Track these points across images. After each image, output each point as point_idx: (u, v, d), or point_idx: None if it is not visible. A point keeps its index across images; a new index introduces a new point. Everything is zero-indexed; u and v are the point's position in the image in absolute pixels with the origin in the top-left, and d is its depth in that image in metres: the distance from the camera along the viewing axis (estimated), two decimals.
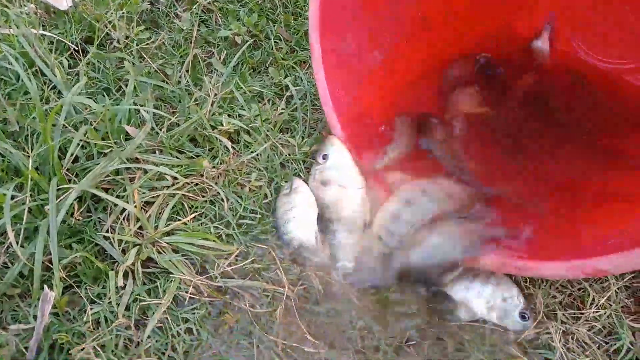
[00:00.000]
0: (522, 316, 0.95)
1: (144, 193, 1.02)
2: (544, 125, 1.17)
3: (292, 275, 0.99)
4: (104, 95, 1.23)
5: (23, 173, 0.98)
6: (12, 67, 1.12)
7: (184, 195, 1.05)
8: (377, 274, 0.94)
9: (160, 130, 1.15)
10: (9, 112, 1.06)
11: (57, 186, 0.95)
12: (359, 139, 1.12)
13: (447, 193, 0.97)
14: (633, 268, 0.73)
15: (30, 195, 0.95)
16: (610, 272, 0.81)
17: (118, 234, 0.96)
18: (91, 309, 0.89)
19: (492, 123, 1.21)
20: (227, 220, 1.07)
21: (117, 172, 1.04)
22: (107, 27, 1.32)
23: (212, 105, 1.23)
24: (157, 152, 1.12)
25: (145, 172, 1.04)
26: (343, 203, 1.04)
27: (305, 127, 1.31)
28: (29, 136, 1.06)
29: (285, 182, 1.14)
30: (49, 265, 0.90)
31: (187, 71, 1.33)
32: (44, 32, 1.21)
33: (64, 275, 0.90)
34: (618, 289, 1.03)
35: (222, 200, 1.09)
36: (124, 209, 0.99)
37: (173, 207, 1.04)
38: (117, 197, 0.99)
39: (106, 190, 1.01)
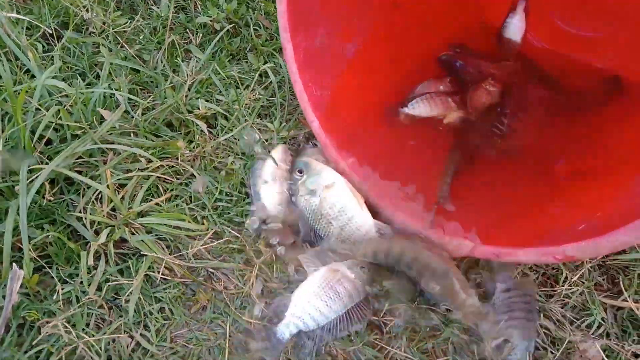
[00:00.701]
0: None
1: (117, 175, 1.01)
2: (520, 106, 1.18)
3: (265, 256, 0.99)
4: (77, 79, 1.22)
5: None
6: None
7: (158, 177, 1.05)
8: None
9: (135, 113, 1.14)
10: None
11: (29, 167, 0.94)
12: (337, 133, 1.12)
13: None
14: (599, 254, 0.74)
15: (2, 177, 0.94)
16: (578, 259, 0.87)
17: (90, 214, 0.95)
18: (62, 288, 0.88)
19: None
20: (203, 203, 1.06)
21: (90, 154, 1.03)
22: (82, 12, 1.31)
23: (188, 89, 1.23)
24: (132, 135, 1.11)
25: (119, 154, 1.03)
26: (336, 198, 1.02)
27: (284, 113, 1.31)
28: (1, 118, 1.05)
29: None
30: (21, 246, 0.90)
31: (164, 56, 1.32)
32: (18, 16, 1.19)
33: (35, 256, 0.89)
34: (591, 267, 1.04)
35: (198, 182, 1.08)
36: (97, 191, 0.98)
37: (147, 190, 1.03)
38: (91, 178, 0.98)
39: (79, 172, 1.00)
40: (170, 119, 1.19)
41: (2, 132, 1.00)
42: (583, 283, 1.01)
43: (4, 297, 0.85)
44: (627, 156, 0.95)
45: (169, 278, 0.93)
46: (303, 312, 0.87)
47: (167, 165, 1.08)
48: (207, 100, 1.25)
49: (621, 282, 0.99)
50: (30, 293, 0.88)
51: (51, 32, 1.27)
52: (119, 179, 1.01)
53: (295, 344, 0.87)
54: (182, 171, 1.09)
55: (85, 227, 0.95)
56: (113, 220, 0.96)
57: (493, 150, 1.14)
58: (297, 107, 1.33)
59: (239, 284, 0.95)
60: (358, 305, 0.91)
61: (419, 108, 1.20)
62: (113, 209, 0.98)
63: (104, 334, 0.85)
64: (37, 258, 0.90)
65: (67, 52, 1.28)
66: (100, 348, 0.83)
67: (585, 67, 1.18)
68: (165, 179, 1.06)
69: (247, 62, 1.44)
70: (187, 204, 1.05)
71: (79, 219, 0.96)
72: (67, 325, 0.83)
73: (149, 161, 1.05)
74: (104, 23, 1.32)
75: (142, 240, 0.95)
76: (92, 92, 1.08)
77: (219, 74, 1.33)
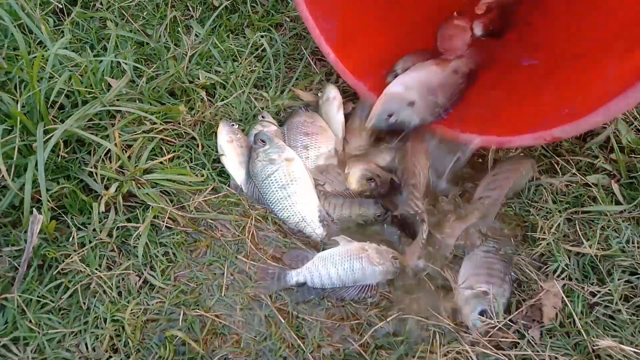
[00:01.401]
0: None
1: (124, 136, 1.11)
2: None
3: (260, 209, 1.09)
4: (87, 51, 1.31)
5: (12, 116, 1.06)
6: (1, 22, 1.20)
7: (162, 139, 1.15)
8: None
9: (141, 81, 1.23)
10: None
11: (44, 128, 1.03)
12: (351, 60, 1.26)
13: None
14: (579, 133, 1.07)
15: (20, 136, 1.04)
16: (563, 138, 1.13)
17: (101, 170, 1.05)
18: (77, 234, 0.98)
19: None
20: (203, 162, 1.16)
21: (100, 117, 1.13)
22: None
23: (189, 60, 1.32)
24: (137, 101, 1.21)
25: (125, 116, 1.13)
26: (294, 169, 1.13)
27: (279, 84, 1.40)
28: (18, 85, 1.14)
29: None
30: (39, 198, 1.00)
31: (166, 30, 1.41)
32: None
33: (52, 205, 0.99)
34: (562, 220, 1.13)
35: (198, 145, 1.18)
36: (106, 150, 1.08)
37: (152, 150, 1.13)
38: (101, 138, 1.08)
39: (90, 133, 1.10)
40: (172, 87, 1.28)
41: (20, 96, 1.09)
42: (554, 234, 1.11)
43: (25, 241, 0.95)
44: (607, 44, 1.10)
45: (172, 227, 1.03)
46: (316, 270, 0.98)
47: (170, 129, 1.17)
48: (206, 71, 1.34)
49: (577, 232, 1.08)
50: (49, 238, 0.98)
51: (61, 7, 1.36)
52: (126, 140, 1.11)
53: (299, 290, 0.98)
54: (183, 134, 1.18)
55: (96, 181, 1.05)
56: (121, 176, 1.06)
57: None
58: (291, 78, 1.42)
59: (236, 232, 1.05)
60: (367, 286, 1.00)
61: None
62: (121, 166, 1.07)
63: (115, 272, 0.95)
64: (55, 207, 1.00)
65: (76, 26, 1.37)
66: (112, 284, 0.93)
67: None
68: (169, 140, 1.16)
69: (244, 36, 1.52)
70: (188, 163, 1.15)
71: (91, 174, 1.06)
72: (82, 263, 0.93)
73: (153, 124, 1.14)
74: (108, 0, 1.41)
75: (147, 194, 1.05)
76: (101, 61, 1.18)
77: (218, 47, 1.42)
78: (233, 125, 1.21)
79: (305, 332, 0.93)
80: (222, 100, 1.30)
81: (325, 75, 1.42)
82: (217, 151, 1.17)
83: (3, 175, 0.97)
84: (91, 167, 1.07)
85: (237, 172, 1.15)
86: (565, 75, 1.15)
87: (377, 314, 0.96)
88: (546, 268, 1.06)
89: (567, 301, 0.95)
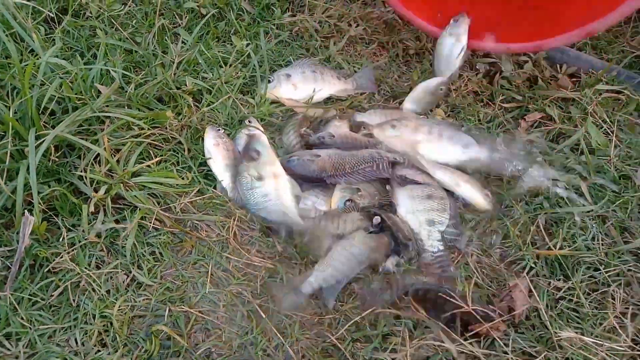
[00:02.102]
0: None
1: (113, 141, 1.15)
2: None
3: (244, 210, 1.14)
4: (77, 58, 1.35)
5: (5, 122, 1.11)
6: None
7: (149, 143, 1.19)
8: None
9: (129, 88, 1.28)
10: None
11: (36, 133, 1.08)
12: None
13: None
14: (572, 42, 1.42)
15: (12, 141, 1.08)
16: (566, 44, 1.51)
17: (90, 174, 1.09)
18: (67, 235, 1.02)
19: None
20: (189, 166, 1.21)
21: (89, 122, 1.17)
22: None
23: (177, 67, 1.37)
24: (126, 107, 1.25)
25: (114, 121, 1.18)
26: (282, 193, 1.18)
27: (264, 90, 1.45)
28: (10, 92, 1.18)
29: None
30: (30, 200, 1.04)
31: (154, 38, 1.46)
32: (22, 1, 1.33)
33: (43, 207, 1.04)
34: (530, 220, 1.19)
35: (184, 149, 1.23)
36: (96, 154, 1.12)
37: (140, 154, 1.18)
38: (91, 143, 1.13)
39: (80, 138, 1.14)
40: (160, 94, 1.33)
41: (12, 103, 1.14)
42: (521, 235, 1.16)
43: (18, 242, 1.00)
44: None
45: (159, 227, 1.08)
46: (326, 274, 1.04)
47: (157, 133, 1.22)
48: (193, 77, 1.39)
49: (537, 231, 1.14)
50: (40, 239, 1.02)
51: (52, 16, 1.41)
52: (115, 144, 1.15)
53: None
54: (170, 138, 1.23)
55: (86, 184, 1.09)
56: (110, 179, 1.11)
57: None
58: None
59: (221, 232, 1.10)
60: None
61: None
62: (110, 170, 1.12)
63: (103, 270, 1.00)
64: (46, 209, 1.05)
65: (66, 35, 1.41)
66: (101, 282, 0.98)
67: None
68: (156, 144, 1.21)
69: (231, 44, 1.57)
70: (175, 167, 1.19)
71: (80, 177, 1.11)
72: (72, 262, 0.97)
73: (141, 129, 1.19)
74: (100, 8, 1.45)
75: (135, 196, 1.09)
76: (90, 69, 1.22)
77: (205, 54, 1.47)
78: (219, 129, 1.26)
79: (285, 326, 0.98)
80: (208, 105, 1.35)
81: None
82: (203, 155, 1.22)
83: None
84: (81, 171, 1.11)
85: (223, 174, 1.20)
86: None
87: (352, 309, 1.01)
88: (516, 266, 1.11)
89: (535, 296, 1.00)
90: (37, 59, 1.27)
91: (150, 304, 0.97)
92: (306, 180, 1.23)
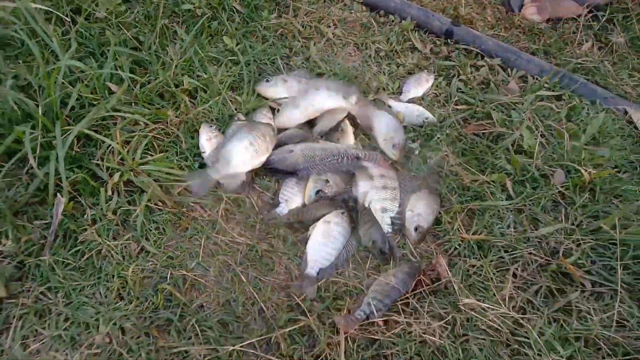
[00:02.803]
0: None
1: (124, 135, 1.40)
2: None
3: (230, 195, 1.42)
4: (90, 58, 1.58)
5: (34, 117, 1.35)
6: (17, 35, 1.46)
7: (153, 136, 1.45)
8: None
9: (135, 87, 1.52)
10: (19, 70, 1.41)
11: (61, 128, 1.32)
12: None
13: None
14: None
15: (41, 134, 1.33)
16: None
17: (106, 162, 1.35)
18: (90, 212, 1.30)
19: None
20: (186, 156, 1.47)
21: (103, 118, 1.42)
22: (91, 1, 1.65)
23: (175, 67, 1.60)
24: (132, 104, 1.49)
25: (124, 118, 1.42)
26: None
27: (250, 88, 1.69)
28: (37, 90, 1.42)
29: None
30: (58, 183, 1.30)
31: (156, 39, 1.68)
32: (41, 6, 1.53)
33: (69, 189, 1.30)
34: (462, 210, 1.48)
35: (182, 141, 1.49)
36: (109, 145, 1.37)
37: (145, 145, 1.43)
38: (105, 136, 1.38)
39: (96, 132, 1.39)
40: (161, 91, 1.57)
41: (40, 99, 1.37)
42: (452, 222, 1.45)
43: (51, 217, 1.27)
44: None
45: (162, 208, 1.35)
46: (320, 257, 1.32)
47: (159, 128, 1.47)
48: (189, 77, 1.62)
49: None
50: (68, 214, 1.29)
51: (67, 18, 1.61)
52: (126, 138, 1.40)
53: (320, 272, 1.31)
54: (170, 132, 1.48)
55: (102, 170, 1.35)
56: (122, 167, 1.37)
57: None
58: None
59: (211, 213, 1.38)
60: (349, 240, 1.39)
61: None
62: (122, 159, 1.38)
63: (119, 240, 1.28)
64: (70, 191, 1.31)
65: (79, 34, 1.62)
66: (117, 250, 1.26)
67: None
68: (159, 137, 1.46)
69: (222, 43, 1.79)
70: (175, 157, 1.45)
71: (98, 165, 1.36)
72: (95, 234, 1.25)
73: (146, 124, 1.44)
74: (107, 10, 1.66)
75: (142, 181, 1.36)
76: (103, 71, 1.45)
77: (199, 54, 1.69)
78: (212, 126, 1.51)
79: (260, 288, 1.28)
80: (203, 102, 1.59)
81: None
82: (198, 147, 1.48)
83: (31, 164, 1.27)
84: (98, 160, 1.37)
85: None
86: None
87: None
88: (448, 247, 1.41)
89: (446, 271, 1.31)
90: (56, 58, 1.50)
91: (156, 268, 1.26)
92: (285, 173, 1.50)
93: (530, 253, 1.36)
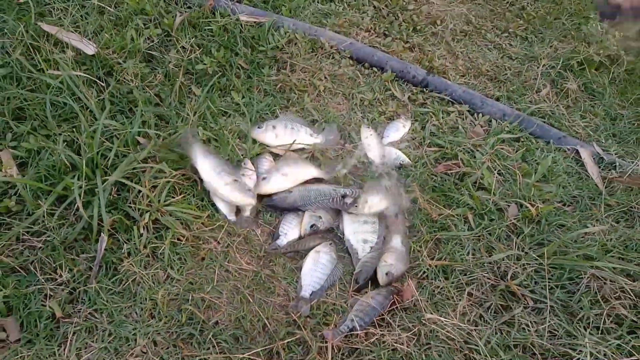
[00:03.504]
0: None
1: (151, 180, 1.71)
2: None
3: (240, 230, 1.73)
4: (120, 115, 1.90)
5: (78, 168, 1.66)
6: (61, 99, 1.78)
7: (175, 182, 1.76)
8: None
9: (159, 139, 1.83)
10: (64, 130, 1.73)
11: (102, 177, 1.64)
12: None
13: None
14: None
15: (85, 182, 1.64)
16: None
17: (137, 204, 1.66)
18: (125, 246, 1.60)
19: None
20: (202, 196, 1.78)
21: (134, 167, 1.73)
22: (121, 66, 1.98)
23: (191, 121, 1.92)
24: (157, 153, 1.81)
25: (152, 168, 1.74)
26: None
27: (253, 134, 2.00)
28: (80, 145, 1.73)
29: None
30: (99, 223, 1.61)
31: (175, 95, 2.00)
32: (81, 74, 1.85)
33: (109, 228, 1.61)
34: (430, 239, 1.78)
35: (198, 186, 1.80)
36: (140, 190, 1.68)
37: (169, 189, 1.74)
38: (135, 183, 1.68)
39: (129, 179, 1.70)
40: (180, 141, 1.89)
41: (82, 153, 1.69)
42: (421, 248, 1.76)
43: (95, 251, 1.57)
44: None
45: (183, 241, 1.66)
46: (312, 281, 1.62)
47: (180, 174, 1.78)
48: (204, 129, 1.94)
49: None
50: (108, 249, 1.60)
51: (99, 79, 1.94)
52: (153, 184, 1.71)
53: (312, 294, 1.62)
54: (189, 177, 1.79)
55: (135, 212, 1.66)
56: (150, 208, 1.67)
57: None
58: None
59: (224, 245, 1.68)
60: (336, 266, 1.69)
61: None
62: (150, 202, 1.69)
63: (150, 270, 1.58)
64: (110, 229, 1.62)
65: (110, 94, 1.95)
66: (149, 277, 1.57)
67: None
68: (180, 183, 1.77)
69: (230, 96, 2.12)
70: (193, 197, 1.76)
71: (130, 207, 1.67)
72: (130, 265, 1.56)
73: (170, 172, 1.75)
74: (134, 74, 1.98)
75: (167, 220, 1.66)
76: (133, 130, 1.77)
77: (211, 108, 2.01)
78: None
79: (264, 307, 1.57)
80: (215, 149, 1.91)
81: None
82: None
83: (77, 207, 1.58)
84: (130, 202, 1.68)
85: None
86: None
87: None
88: (418, 272, 1.71)
89: (414, 291, 1.61)
90: (92, 115, 1.82)
91: (180, 291, 1.56)
92: (285, 210, 1.82)
93: (484, 276, 1.66)
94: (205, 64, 2.11)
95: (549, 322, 1.52)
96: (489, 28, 2.80)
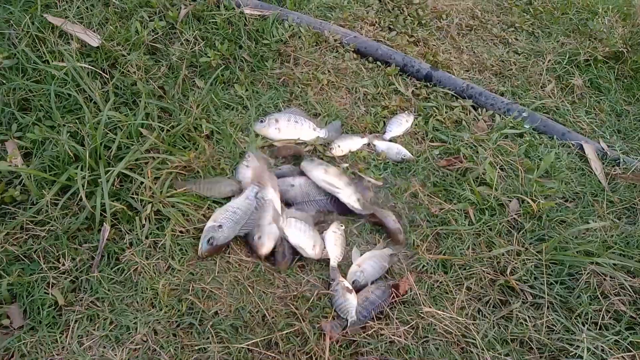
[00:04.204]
0: None
1: (154, 172, 1.73)
2: None
3: None
4: (124, 107, 1.91)
5: (81, 159, 1.68)
6: (66, 90, 1.80)
7: (177, 172, 1.77)
8: None
9: (162, 131, 1.85)
10: (68, 121, 1.75)
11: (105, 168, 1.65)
12: None
13: None
14: None
15: (88, 173, 1.66)
16: None
17: (139, 195, 1.67)
18: (127, 236, 1.62)
19: None
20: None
21: (137, 159, 1.75)
22: (125, 58, 1.99)
23: (194, 114, 1.93)
24: (160, 145, 1.82)
25: (154, 159, 1.75)
26: None
27: (255, 128, 2.01)
28: (83, 136, 1.75)
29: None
30: (102, 212, 1.63)
31: (179, 88, 2.01)
32: (86, 65, 1.87)
33: (111, 219, 1.63)
34: (431, 235, 1.79)
35: (201, 176, 1.81)
36: (142, 182, 1.70)
37: (171, 180, 1.75)
38: (138, 174, 1.70)
39: (132, 170, 1.71)
40: (184, 133, 1.90)
41: (85, 144, 1.70)
42: (421, 242, 1.76)
43: (97, 240, 1.59)
44: None
45: (184, 232, 1.68)
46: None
47: (182, 165, 1.80)
48: (207, 121, 1.95)
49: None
50: (110, 239, 1.62)
51: (103, 71, 1.95)
52: (155, 175, 1.73)
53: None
54: (191, 169, 1.81)
55: (137, 202, 1.68)
56: (152, 199, 1.69)
57: None
58: None
59: None
60: None
61: None
62: (152, 193, 1.70)
63: (152, 260, 1.60)
64: (112, 219, 1.64)
65: (114, 86, 1.96)
66: (150, 268, 1.58)
67: None
68: (182, 173, 1.79)
69: (234, 89, 2.13)
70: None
71: (133, 198, 1.69)
72: (132, 255, 1.58)
73: (172, 162, 1.77)
74: (137, 66, 2.00)
75: (169, 211, 1.68)
76: (137, 122, 1.79)
77: (214, 100, 2.02)
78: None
79: (264, 299, 1.59)
80: (217, 142, 1.92)
81: None
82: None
83: (81, 197, 1.60)
84: (133, 193, 1.69)
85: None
86: None
87: (308, 291, 1.62)
88: (417, 265, 1.72)
89: (413, 284, 1.62)
90: (96, 106, 1.83)
91: (180, 282, 1.58)
92: (285, 204, 1.82)
93: (483, 270, 1.67)
94: (209, 57, 2.12)
95: (547, 317, 1.52)
96: (495, 22, 2.79)
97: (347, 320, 1.53)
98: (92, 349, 1.43)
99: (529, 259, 1.68)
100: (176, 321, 1.50)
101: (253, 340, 1.47)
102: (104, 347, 1.44)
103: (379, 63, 2.37)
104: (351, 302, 1.57)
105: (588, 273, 1.62)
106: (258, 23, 2.31)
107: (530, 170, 1.97)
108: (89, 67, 1.90)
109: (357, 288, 1.64)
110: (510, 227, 1.81)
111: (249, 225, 1.71)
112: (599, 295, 1.57)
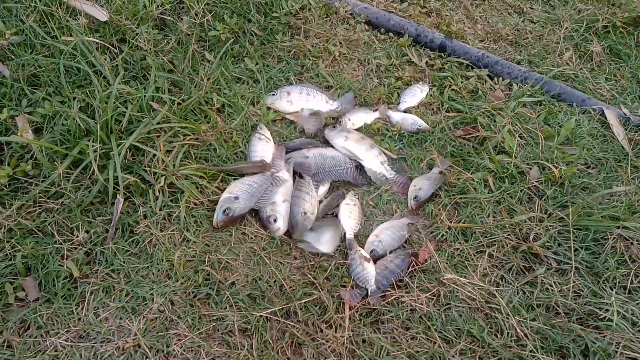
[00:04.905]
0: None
1: (166, 145, 1.70)
2: None
3: None
4: (134, 81, 1.88)
5: (93, 132, 1.65)
6: (75, 64, 1.77)
7: (189, 145, 1.74)
8: None
9: (173, 105, 1.81)
10: (78, 94, 1.73)
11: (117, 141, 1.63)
12: None
13: None
14: None
15: (99, 146, 1.63)
16: None
17: (152, 168, 1.65)
18: (141, 209, 1.60)
19: None
20: (215, 162, 1.76)
21: (149, 132, 1.72)
22: (134, 32, 1.96)
23: (205, 87, 1.89)
24: (171, 119, 1.79)
25: (166, 131, 1.72)
26: None
27: (267, 101, 1.97)
28: (95, 110, 1.72)
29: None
30: (115, 186, 1.60)
31: (189, 62, 1.98)
32: (95, 40, 1.84)
33: (124, 192, 1.60)
34: (449, 203, 1.74)
35: (214, 149, 1.78)
36: (155, 154, 1.67)
37: (184, 153, 1.72)
38: (151, 147, 1.67)
39: (144, 143, 1.69)
40: (195, 106, 1.86)
41: (97, 118, 1.68)
42: (440, 211, 1.72)
43: (111, 213, 1.57)
44: None
45: (198, 204, 1.65)
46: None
47: (194, 139, 1.76)
48: (218, 95, 1.91)
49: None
50: (123, 211, 1.60)
51: (112, 45, 1.92)
52: (167, 148, 1.70)
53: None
54: (203, 142, 1.78)
55: (150, 175, 1.65)
56: (165, 172, 1.66)
57: None
58: None
59: None
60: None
61: None
62: (165, 166, 1.67)
63: (166, 232, 1.58)
64: (125, 192, 1.62)
65: (124, 60, 1.93)
66: (165, 239, 1.56)
67: None
68: (194, 145, 1.76)
69: (244, 63, 2.08)
70: (206, 162, 1.75)
71: (145, 170, 1.66)
72: (146, 227, 1.55)
73: (184, 135, 1.74)
74: (146, 40, 1.96)
75: (182, 183, 1.65)
76: (147, 94, 1.75)
77: (225, 74, 1.99)
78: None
79: (281, 269, 1.56)
80: (229, 115, 1.89)
81: None
82: (227, 152, 1.77)
83: (93, 171, 1.57)
84: (145, 166, 1.67)
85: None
86: None
87: (325, 262, 1.59)
88: (436, 234, 1.68)
89: (433, 253, 1.58)
90: (106, 81, 1.80)
91: (196, 253, 1.55)
92: (299, 175, 1.79)
93: (505, 237, 1.62)
94: (218, 31, 2.08)
95: (574, 282, 1.47)
96: None
97: (366, 290, 1.50)
98: (109, 320, 1.42)
99: (552, 225, 1.63)
100: (193, 292, 1.48)
101: (272, 309, 1.44)
102: (121, 318, 1.42)
103: (391, 34, 2.31)
104: (369, 271, 1.53)
105: (614, 238, 1.57)
106: None
107: (550, 137, 1.91)
108: (98, 40, 1.87)
109: (376, 258, 1.61)
110: (532, 194, 1.75)
111: (264, 200, 1.68)
112: (627, 259, 1.52)
